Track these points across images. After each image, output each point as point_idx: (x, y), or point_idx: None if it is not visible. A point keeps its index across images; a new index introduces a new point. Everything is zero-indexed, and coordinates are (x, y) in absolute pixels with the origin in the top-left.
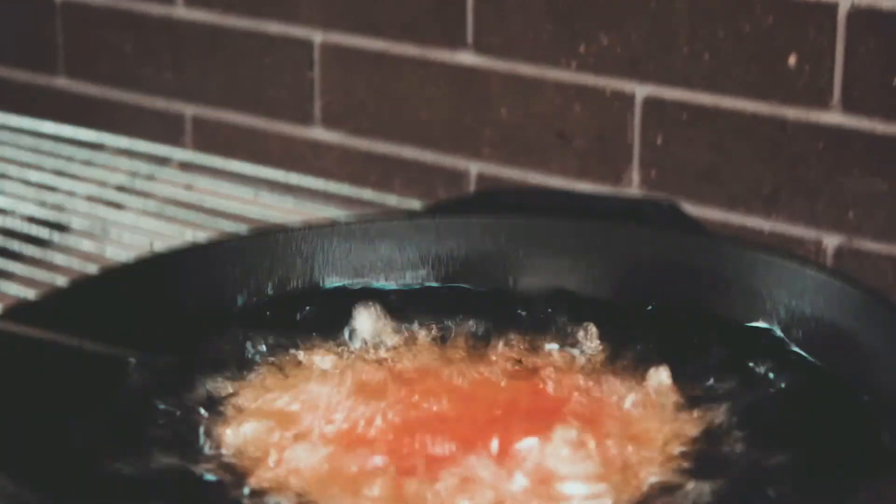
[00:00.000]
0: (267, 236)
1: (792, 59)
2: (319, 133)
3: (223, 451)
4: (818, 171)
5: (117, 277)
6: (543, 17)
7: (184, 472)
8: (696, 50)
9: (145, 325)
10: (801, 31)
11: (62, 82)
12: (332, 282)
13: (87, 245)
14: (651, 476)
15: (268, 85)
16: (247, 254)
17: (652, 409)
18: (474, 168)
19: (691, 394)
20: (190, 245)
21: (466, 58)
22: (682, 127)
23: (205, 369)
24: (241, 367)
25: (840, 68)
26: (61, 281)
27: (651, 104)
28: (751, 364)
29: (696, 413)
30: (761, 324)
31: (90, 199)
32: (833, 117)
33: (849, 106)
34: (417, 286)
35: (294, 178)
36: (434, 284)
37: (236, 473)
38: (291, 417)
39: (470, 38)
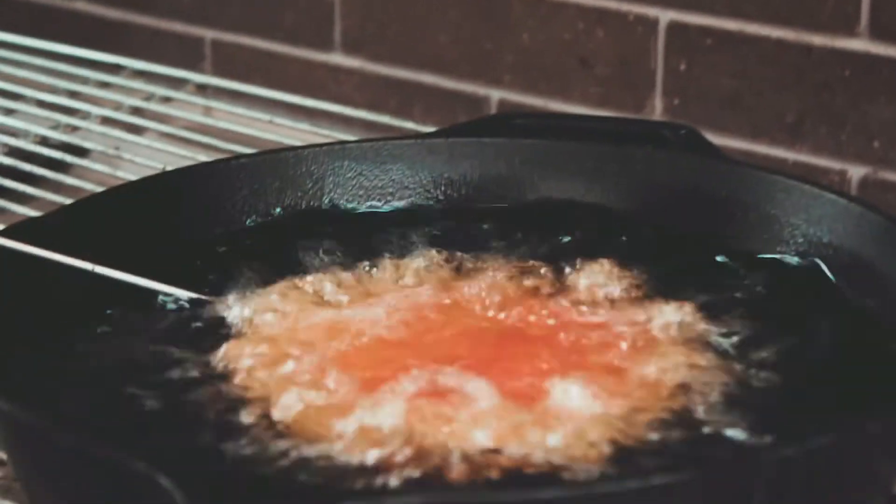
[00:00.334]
0: (277, 156)
1: None
2: (339, 58)
3: (230, 365)
4: (844, 100)
5: (122, 197)
6: None
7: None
8: None
9: (150, 246)
10: None
11: (81, 5)
12: (343, 203)
13: (99, 167)
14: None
15: (288, 9)
16: (256, 174)
17: (666, 340)
18: (495, 95)
19: (707, 324)
20: (197, 165)
21: None
22: (706, 53)
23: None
24: (248, 286)
25: None
26: None
27: (675, 29)
28: (769, 292)
29: (712, 344)
30: (779, 251)
31: (105, 121)
32: (860, 44)
33: (876, 32)
34: (429, 208)
35: (311, 103)
36: (447, 207)
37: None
38: (288, 341)
39: None
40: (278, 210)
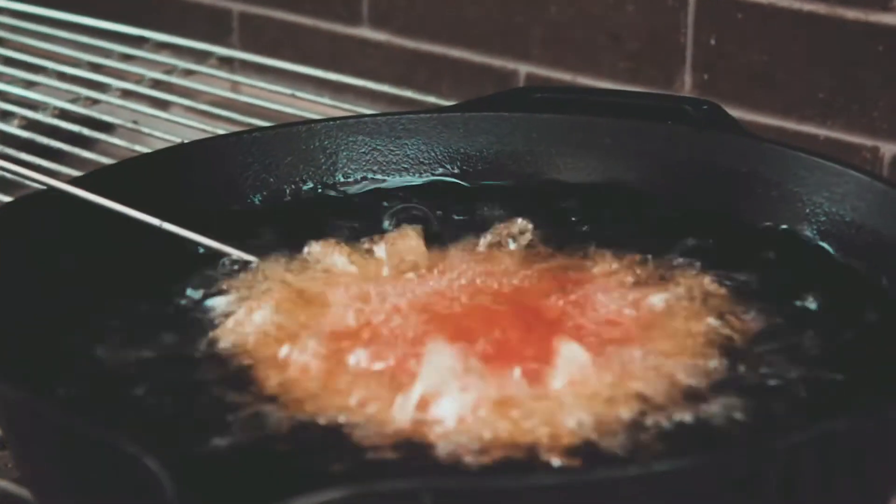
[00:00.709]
0: (289, 130)
1: None
2: (367, 32)
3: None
4: (876, 75)
5: (132, 169)
6: None
7: None
8: None
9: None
10: None
11: None
12: (357, 178)
13: (117, 140)
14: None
15: None
16: (268, 148)
17: (687, 314)
18: (523, 69)
19: (725, 302)
20: (208, 138)
21: None
22: (737, 27)
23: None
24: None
25: None
26: None
27: (705, 3)
28: (789, 271)
29: (728, 323)
30: (799, 228)
31: (125, 94)
32: (893, 18)
33: None
34: (444, 184)
35: (335, 77)
36: (463, 182)
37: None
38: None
39: None
40: (289, 185)
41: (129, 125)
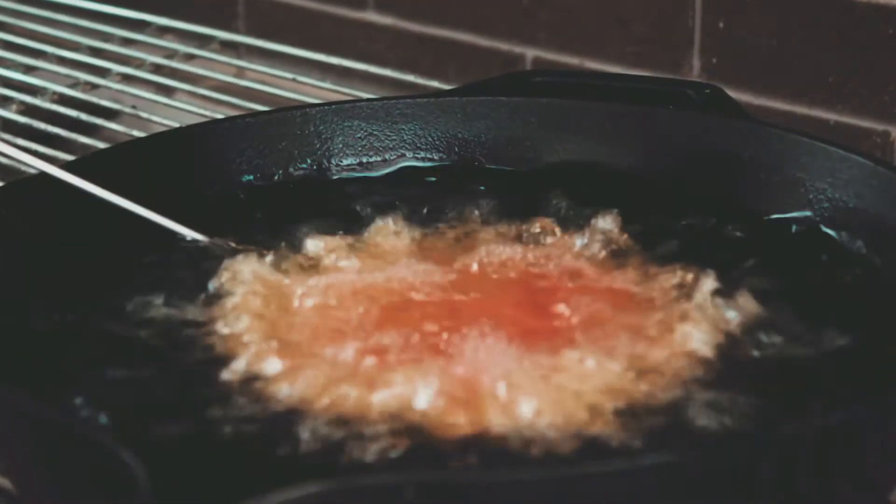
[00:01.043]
0: (284, 115)
1: None
2: (372, 16)
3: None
4: (888, 59)
5: (125, 153)
6: None
7: None
8: None
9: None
10: None
11: None
12: (352, 164)
13: (115, 126)
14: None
15: None
16: (262, 133)
17: (682, 304)
18: (530, 53)
19: (725, 287)
20: (202, 123)
21: None
22: (745, 10)
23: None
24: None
25: None
26: None
27: None
28: (791, 257)
29: (729, 309)
30: (802, 213)
31: (125, 78)
32: None
33: None
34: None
35: (338, 61)
36: (460, 168)
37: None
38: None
39: None
40: (284, 169)
41: (127, 110)
